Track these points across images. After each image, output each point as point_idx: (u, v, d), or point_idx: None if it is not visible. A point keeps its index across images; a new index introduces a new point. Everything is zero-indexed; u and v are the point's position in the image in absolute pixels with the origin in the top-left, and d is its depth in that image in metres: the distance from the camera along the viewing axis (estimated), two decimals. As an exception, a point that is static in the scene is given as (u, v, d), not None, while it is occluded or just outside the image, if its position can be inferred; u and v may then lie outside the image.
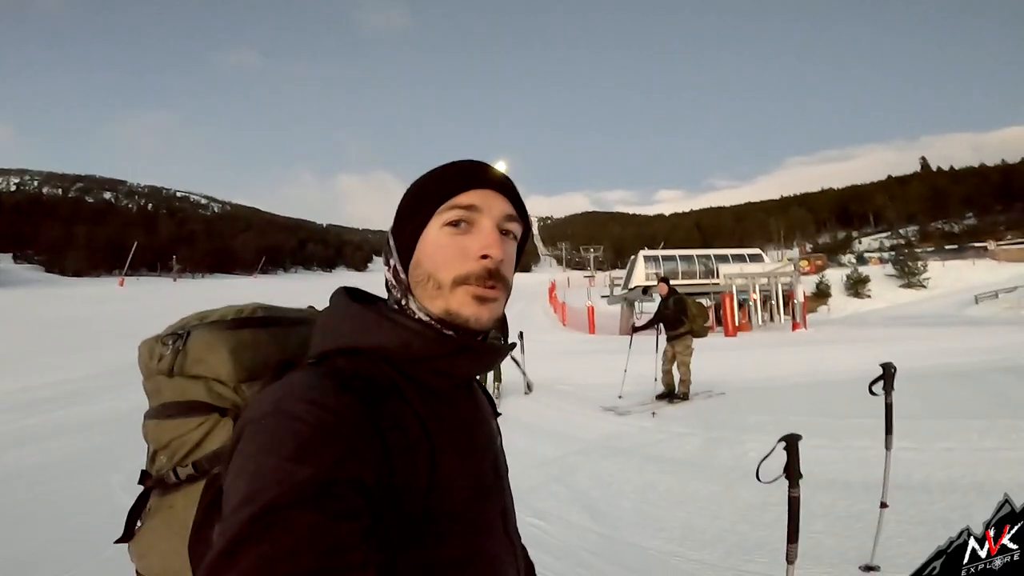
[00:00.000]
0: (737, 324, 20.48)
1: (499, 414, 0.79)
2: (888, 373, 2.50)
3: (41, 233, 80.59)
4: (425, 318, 0.60)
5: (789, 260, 25.58)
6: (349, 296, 0.64)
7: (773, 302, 23.32)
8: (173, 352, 0.73)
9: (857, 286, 41.67)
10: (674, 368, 7.17)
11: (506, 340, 0.70)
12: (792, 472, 1.82)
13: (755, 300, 22.77)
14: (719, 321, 21.61)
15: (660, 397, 7.05)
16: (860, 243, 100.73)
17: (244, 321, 0.76)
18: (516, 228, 0.64)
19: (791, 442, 1.82)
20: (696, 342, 7.29)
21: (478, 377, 0.73)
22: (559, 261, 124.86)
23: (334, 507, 0.42)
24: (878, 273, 45.73)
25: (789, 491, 1.86)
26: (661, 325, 7.35)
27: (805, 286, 24.27)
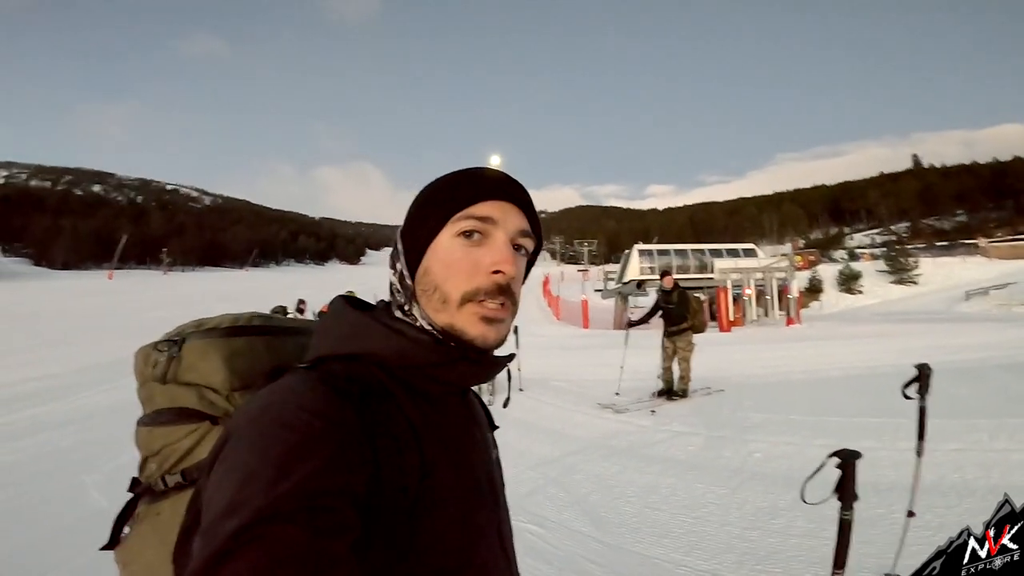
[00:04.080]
0: (732, 319, 20.37)
1: (496, 427, 0.75)
2: (924, 375, 2.31)
3: (30, 226, 79.50)
4: (427, 327, 0.59)
5: (784, 255, 25.49)
6: (347, 303, 0.63)
7: (768, 297, 23.25)
8: (167, 359, 0.72)
9: (849, 282, 41.74)
10: (674, 364, 7.01)
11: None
12: (847, 493, 1.60)
13: (750, 295, 22.66)
14: (713, 316, 21.53)
15: (659, 394, 6.89)
16: (852, 239, 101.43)
17: (239, 329, 0.76)
18: (529, 244, 0.63)
19: (846, 460, 1.59)
20: (697, 337, 7.14)
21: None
22: (553, 255, 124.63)
23: (321, 521, 0.40)
24: (870, 269, 45.87)
25: (841, 513, 1.64)
26: (660, 319, 7.19)
27: (799, 282, 24.19)
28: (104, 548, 0.72)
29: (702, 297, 24.70)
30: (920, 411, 2.44)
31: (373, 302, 0.66)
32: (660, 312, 7.25)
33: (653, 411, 6.23)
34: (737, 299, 22.40)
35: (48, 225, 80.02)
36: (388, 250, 0.68)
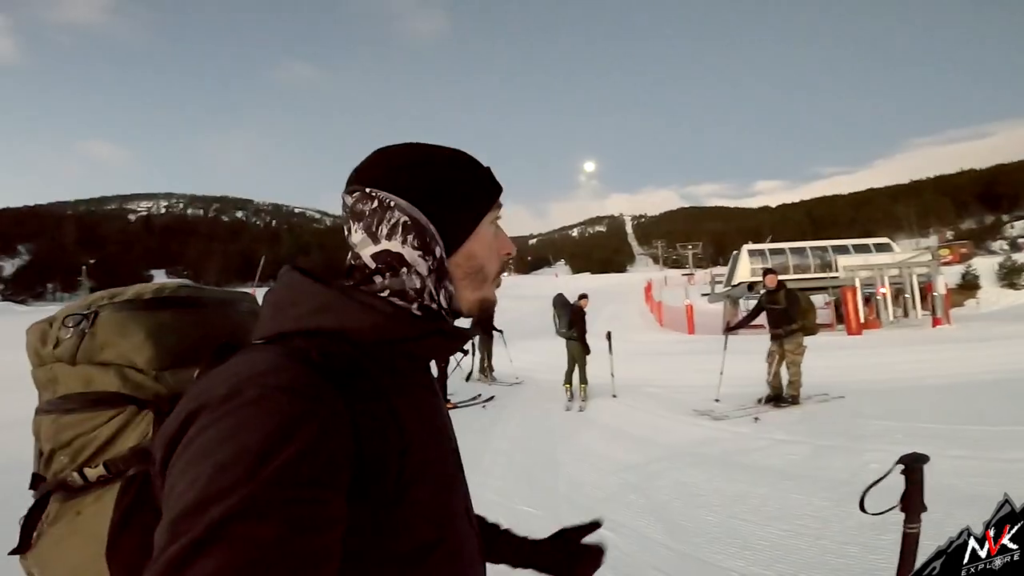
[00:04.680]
0: (864, 321, 18.30)
1: (447, 401, 0.68)
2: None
3: (187, 249, 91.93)
4: (445, 305, 0.59)
5: (927, 248, 22.47)
6: (304, 274, 0.57)
7: (907, 296, 20.64)
8: (77, 335, 0.66)
9: (1012, 276, 35.84)
10: (782, 369, 6.43)
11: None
12: (912, 503, 1.33)
13: (883, 294, 20.23)
14: (840, 318, 19.50)
15: (766, 400, 6.37)
16: (1012, 227, 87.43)
17: (164, 301, 0.71)
18: None
19: (910, 465, 1.32)
20: (807, 340, 6.51)
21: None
22: (655, 259, 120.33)
23: (301, 515, 0.38)
24: (1039, 260, 39.12)
25: (905, 526, 1.36)
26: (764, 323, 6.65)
27: (947, 277, 21.14)
28: (13, 552, 0.65)
29: (827, 298, 22.59)
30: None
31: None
32: (764, 313, 6.73)
33: (756, 418, 5.77)
34: (869, 299, 20.14)
35: (202, 248, 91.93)
36: None
